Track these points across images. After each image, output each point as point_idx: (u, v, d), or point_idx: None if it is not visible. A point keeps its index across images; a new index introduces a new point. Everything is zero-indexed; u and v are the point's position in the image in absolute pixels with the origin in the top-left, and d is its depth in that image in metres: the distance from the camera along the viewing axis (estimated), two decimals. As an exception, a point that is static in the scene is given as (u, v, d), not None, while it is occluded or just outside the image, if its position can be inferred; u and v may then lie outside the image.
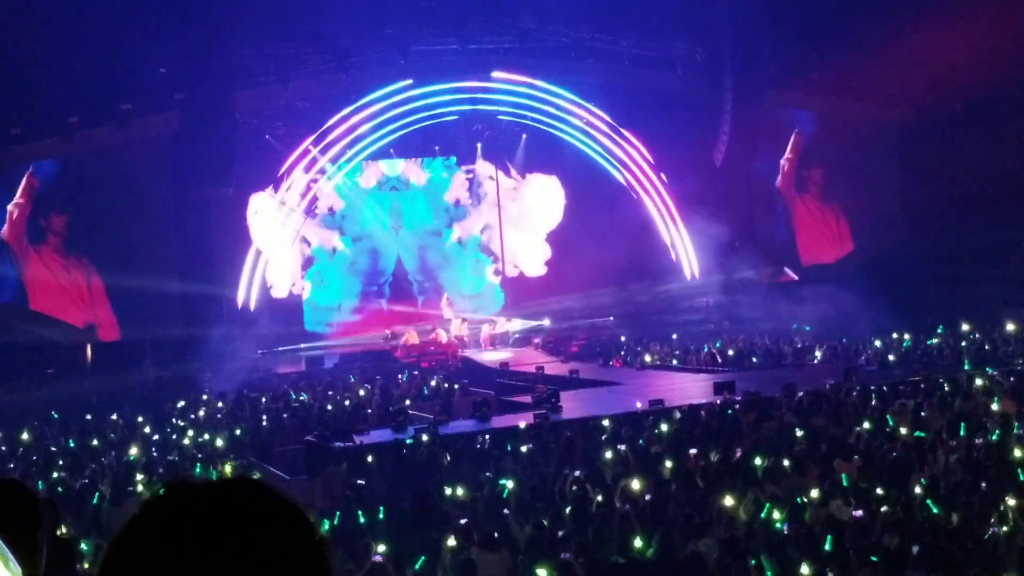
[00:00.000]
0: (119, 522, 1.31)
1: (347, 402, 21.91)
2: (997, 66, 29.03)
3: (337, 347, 32.85)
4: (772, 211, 36.09)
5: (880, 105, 34.83)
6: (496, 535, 9.96)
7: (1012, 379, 17.68)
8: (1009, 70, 29.43)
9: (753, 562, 8.83)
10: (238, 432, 18.82)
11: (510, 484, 12.47)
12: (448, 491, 12.49)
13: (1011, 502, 9.76)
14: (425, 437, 15.61)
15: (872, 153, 35.87)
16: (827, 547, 9.09)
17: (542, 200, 36.16)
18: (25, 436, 19.62)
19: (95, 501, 13.12)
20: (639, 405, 17.10)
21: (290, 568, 1.26)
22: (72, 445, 18.67)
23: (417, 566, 9.61)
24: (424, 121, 33.61)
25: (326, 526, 11.37)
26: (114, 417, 21.75)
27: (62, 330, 29.10)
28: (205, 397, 24.85)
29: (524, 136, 35.30)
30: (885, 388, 17.71)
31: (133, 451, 17.23)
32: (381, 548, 9.98)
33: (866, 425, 14.42)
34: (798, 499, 10.61)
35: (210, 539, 1.23)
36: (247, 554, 1.23)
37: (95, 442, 18.68)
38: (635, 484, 11.67)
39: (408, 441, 15.61)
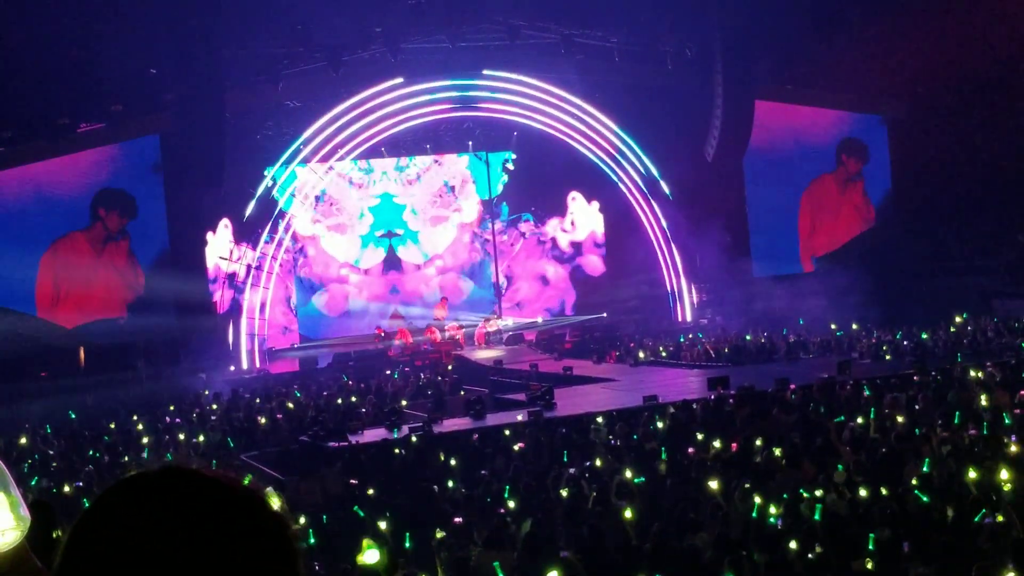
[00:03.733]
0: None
1: (341, 401, 21.91)
2: (989, 58, 29.11)
3: (331, 346, 32.83)
4: (766, 205, 36.09)
5: (871, 97, 34.91)
6: (500, 534, 9.94)
7: (992, 370, 17.77)
8: (1001, 62, 29.52)
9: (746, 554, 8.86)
10: (232, 432, 18.82)
11: (507, 483, 12.48)
12: (444, 489, 12.50)
13: (1004, 492, 9.80)
14: (419, 436, 15.62)
15: (863, 145, 36.01)
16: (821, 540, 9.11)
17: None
18: (22, 440, 19.57)
19: (87, 504, 13.10)
20: (646, 413, 17.00)
21: (251, 548, 1.25)
22: (66, 448, 18.63)
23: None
24: (415, 119, 33.58)
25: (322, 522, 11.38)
26: (108, 418, 21.76)
27: (63, 334, 29.00)
28: (199, 397, 24.83)
29: (515, 133, 35.29)
30: (879, 381, 17.77)
31: (127, 453, 17.21)
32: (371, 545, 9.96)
33: (859, 420, 14.45)
34: (789, 493, 10.64)
35: (164, 525, 1.23)
36: (202, 538, 1.23)
37: (89, 445, 18.65)
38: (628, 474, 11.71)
39: (402, 440, 15.63)
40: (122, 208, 30.09)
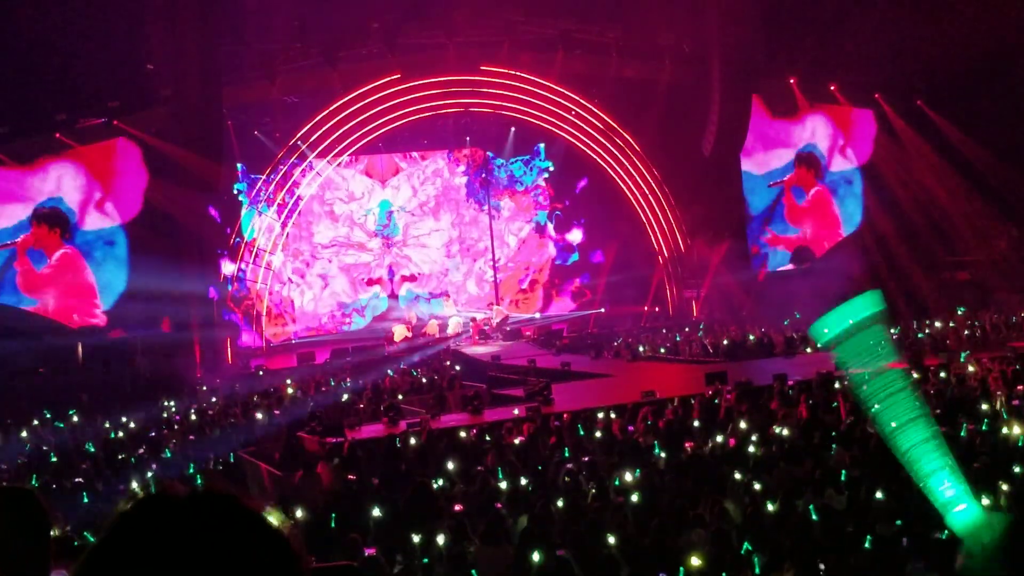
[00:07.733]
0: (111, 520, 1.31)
1: (339, 397, 21.87)
2: (986, 50, 29.08)
3: (328, 342, 32.81)
4: (764, 200, 36.11)
5: (867, 91, 34.93)
6: (497, 529, 9.92)
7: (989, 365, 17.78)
8: (999, 54, 29.49)
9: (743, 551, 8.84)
10: (229, 428, 18.79)
11: (504, 478, 12.46)
12: (441, 485, 12.48)
13: (1004, 488, 9.79)
14: (417, 431, 15.60)
15: (859, 138, 36.03)
16: (820, 536, 9.10)
17: None
18: (22, 435, 19.55)
19: (86, 500, 13.11)
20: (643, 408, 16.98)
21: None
22: (64, 443, 18.60)
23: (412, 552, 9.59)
24: (413, 115, 33.52)
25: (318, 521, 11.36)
26: (105, 414, 21.72)
27: (59, 330, 28.92)
28: (197, 393, 24.80)
29: (512, 129, 35.27)
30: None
31: (125, 450, 17.18)
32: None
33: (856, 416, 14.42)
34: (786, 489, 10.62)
35: (183, 553, 1.25)
36: (218, 568, 1.25)
37: (87, 440, 18.62)
38: (627, 476, 11.68)
39: (400, 436, 15.61)
40: None
